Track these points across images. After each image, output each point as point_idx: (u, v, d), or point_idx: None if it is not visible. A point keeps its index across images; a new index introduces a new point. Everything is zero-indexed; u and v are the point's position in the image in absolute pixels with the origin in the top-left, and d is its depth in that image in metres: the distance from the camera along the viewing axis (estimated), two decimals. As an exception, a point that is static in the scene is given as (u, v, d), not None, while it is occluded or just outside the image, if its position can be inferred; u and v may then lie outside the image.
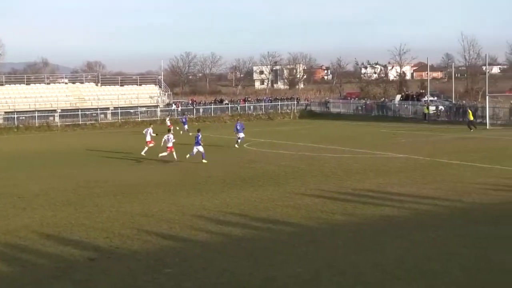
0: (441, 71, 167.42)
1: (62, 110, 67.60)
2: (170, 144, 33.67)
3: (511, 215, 18.65)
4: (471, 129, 49.24)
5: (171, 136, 34.22)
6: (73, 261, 14.85)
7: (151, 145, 36.53)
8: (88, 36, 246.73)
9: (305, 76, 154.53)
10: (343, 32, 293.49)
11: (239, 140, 40.86)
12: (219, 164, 32.13)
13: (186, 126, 54.91)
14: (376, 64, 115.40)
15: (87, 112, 68.54)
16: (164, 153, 33.75)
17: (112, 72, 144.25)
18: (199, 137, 33.17)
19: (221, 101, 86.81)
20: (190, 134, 46.78)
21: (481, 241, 15.83)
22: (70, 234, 17.64)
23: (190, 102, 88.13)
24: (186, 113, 69.39)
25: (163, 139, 34.27)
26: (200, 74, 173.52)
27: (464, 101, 68.62)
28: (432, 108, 64.79)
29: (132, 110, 70.50)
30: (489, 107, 54.93)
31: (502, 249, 15.10)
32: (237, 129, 41.33)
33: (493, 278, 12.91)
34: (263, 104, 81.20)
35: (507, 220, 18.12)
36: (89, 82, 77.71)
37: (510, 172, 27.06)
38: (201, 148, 32.90)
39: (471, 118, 51.33)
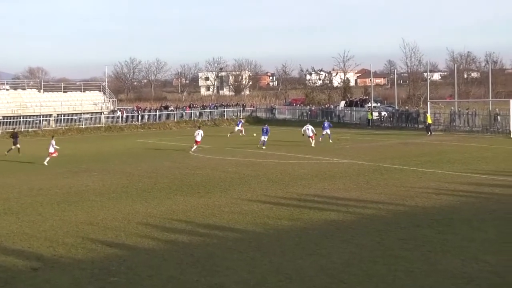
0: (384, 78, 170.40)
1: (3, 117, 66.19)
2: (198, 139, 41.39)
3: (452, 219, 19.06)
4: (428, 132, 50.54)
5: (201, 131, 42.11)
6: (15, 271, 14.51)
7: (54, 155, 36.67)
8: (29, 42, 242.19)
9: (250, 83, 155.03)
10: (288, 39, 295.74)
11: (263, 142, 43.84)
12: (165, 171, 31.91)
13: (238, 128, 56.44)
14: (321, 70, 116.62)
15: (29, 119, 67.28)
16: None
17: (55, 79, 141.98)
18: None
19: (167, 108, 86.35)
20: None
21: (424, 244, 16.13)
22: (12, 243, 17.25)
23: (135, 108, 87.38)
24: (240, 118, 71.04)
25: (195, 133, 41.69)
26: (145, 81, 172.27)
27: (406, 107, 69.96)
28: (375, 114, 65.85)
29: (76, 117, 69.48)
30: (430, 112, 56.09)
31: (444, 252, 15.42)
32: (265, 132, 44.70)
33: (437, 281, 13.18)
34: (209, 110, 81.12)
35: (448, 223, 18.52)
36: (31, 88, 76.23)
37: (451, 176, 27.69)
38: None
39: (430, 121, 52.49)
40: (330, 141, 46.12)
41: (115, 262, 15.18)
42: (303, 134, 44.93)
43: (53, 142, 37.45)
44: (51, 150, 36.97)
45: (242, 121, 46.01)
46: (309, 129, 44.86)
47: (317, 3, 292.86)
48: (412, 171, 29.63)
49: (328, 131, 47.41)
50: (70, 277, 14.04)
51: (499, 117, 53.02)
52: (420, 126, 57.51)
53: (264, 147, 42.76)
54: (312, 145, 43.57)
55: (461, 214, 19.74)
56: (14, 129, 52.29)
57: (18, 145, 43.27)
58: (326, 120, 51.40)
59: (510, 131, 47.91)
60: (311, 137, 44.30)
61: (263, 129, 45.44)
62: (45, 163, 35.97)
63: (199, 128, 44.33)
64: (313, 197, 23.49)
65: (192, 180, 28.66)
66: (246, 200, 23.07)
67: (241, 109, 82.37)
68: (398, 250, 15.65)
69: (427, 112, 55.32)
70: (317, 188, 25.60)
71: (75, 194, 25.52)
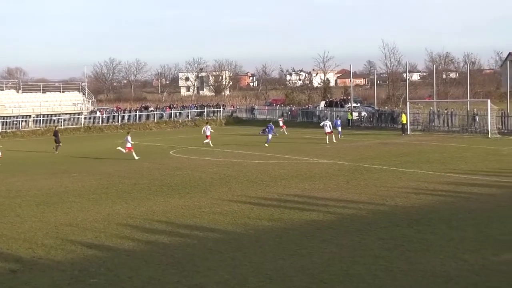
0: (363, 78, 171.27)
1: (-18, 118, 65.52)
2: (208, 133, 44.59)
3: (431, 218, 19.19)
4: (403, 132, 50.98)
5: (208, 127, 45.35)
6: (-7, 274, 14.39)
7: (132, 150, 38.23)
8: (7, 42, 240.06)
9: (231, 83, 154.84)
10: (268, 40, 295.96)
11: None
12: (145, 172, 31.80)
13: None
14: (301, 71, 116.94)
15: (7, 120, 66.62)
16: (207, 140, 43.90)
17: (34, 79, 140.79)
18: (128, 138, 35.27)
19: (147, 108, 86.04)
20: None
21: (404, 243, 16.24)
22: (-10, 245, 17.10)
23: (115, 109, 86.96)
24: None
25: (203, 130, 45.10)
26: (125, 81, 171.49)
27: (386, 107, 70.33)
28: (355, 114, 66.13)
29: (55, 118, 68.94)
30: (409, 113, 56.44)
31: (423, 251, 15.53)
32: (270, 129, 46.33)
33: (416, 280, 13.27)
34: (189, 111, 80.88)
35: (428, 222, 18.65)
36: (9, 89, 75.41)
37: (430, 176, 27.89)
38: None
39: (404, 121, 52.82)
40: (340, 136, 48.63)
41: (95, 263, 15.10)
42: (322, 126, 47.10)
43: (129, 137, 38.93)
44: (129, 145, 38.49)
45: (209, 127, 44.63)
46: (327, 125, 46.34)
47: (297, 3, 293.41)
48: (392, 171, 29.79)
49: (339, 128, 49.61)
50: (49, 279, 13.95)
51: (477, 117, 53.47)
52: (400, 126, 57.83)
53: (266, 145, 44.36)
54: (327, 141, 45.03)
55: (440, 213, 19.90)
56: (55, 127, 55.22)
57: (59, 144, 44.56)
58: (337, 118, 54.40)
59: (488, 131, 48.33)
60: (329, 133, 45.88)
61: (268, 126, 47.26)
62: (136, 157, 37.72)
63: (207, 123, 48.43)
64: (294, 197, 23.55)
65: (172, 180, 28.60)
66: (227, 201, 23.07)
67: (221, 109, 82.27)
68: (378, 249, 15.73)
69: (404, 112, 55.54)
70: (297, 188, 25.66)
71: (54, 195, 25.35)
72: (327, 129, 46.02)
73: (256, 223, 19.24)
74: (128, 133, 41.58)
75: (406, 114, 54.22)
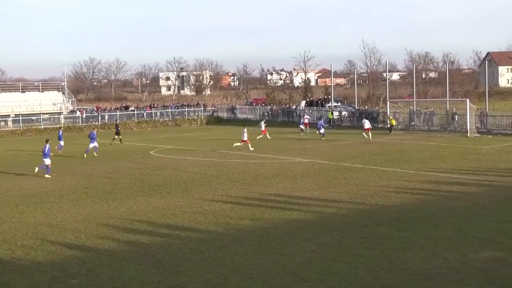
0: (344, 78, 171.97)
1: (-40, 118, 64.87)
2: (245, 138, 41.61)
3: (411, 217, 19.32)
4: (389, 132, 51.24)
5: (245, 130, 42.54)
6: (-28, 275, 14.25)
7: (248, 143, 40.98)
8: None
9: (211, 83, 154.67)
10: (249, 39, 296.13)
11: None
12: (125, 172, 31.66)
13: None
14: (282, 70, 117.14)
15: (-14, 120, 66.03)
16: (238, 144, 41.69)
17: (12, 79, 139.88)
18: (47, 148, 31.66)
19: (127, 108, 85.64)
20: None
21: (384, 242, 16.33)
22: (-32, 247, 16.93)
23: (95, 109, 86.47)
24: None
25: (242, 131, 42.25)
26: (105, 80, 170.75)
27: (366, 107, 70.60)
28: (336, 114, 66.32)
29: (34, 118, 68.40)
30: (389, 112, 56.73)
31: (404, 249, 15.63)
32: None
33: (396, 278, 13.35)
34: (169, 110, 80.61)
35: (408, 221, 18.77)
36: (-12, 88, 74.80)
37: (410, 175, 28.06)
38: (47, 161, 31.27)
39: (393, 124, 52.78)
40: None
41: (75, 264, 15.02)
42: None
43: (245, 129, 42.17)
44: (245, 138, 41.41)
45: (245, 130, 43.56)
46: (366, 122, 48.78)
47: (278, 3, 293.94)
48: (372, 170, 29.94)
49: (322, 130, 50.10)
50: (29, 280, 13.85)
51: (456, 117, 53.88)
52: (380, 125, 58.08)
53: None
54: (370, 138, 46.63)
55: (420, 212, 20.03)
56: (116, 121, 59.27)
57: (120, 136, 49.00)
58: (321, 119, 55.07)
59: (467, 130, 48.72)
60: (367, 129, 47.70)
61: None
62: (251, 148, 40.41)
63: (244, 126, 46.73)
64: (275, 197, 23.58)
65: (153, 180, 28.51)
66: (208, 200, 23.05)
67: (202, 109, 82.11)
68: (359, 248, 15.80)
69: (390, 115, 55.63)
70: (278, 187, 25.70)
71: (34, 195, 25.16)
72: (366, 126, 48.00)
73: (238, 222, 19.24)
74: (244, 126, 45.14)
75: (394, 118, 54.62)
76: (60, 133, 44.90)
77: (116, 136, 49.37)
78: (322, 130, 48.96)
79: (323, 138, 47.89)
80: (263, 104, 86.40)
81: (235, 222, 19.24)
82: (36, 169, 31.22)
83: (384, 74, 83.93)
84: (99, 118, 73.68)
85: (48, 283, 13.60)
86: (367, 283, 13.07)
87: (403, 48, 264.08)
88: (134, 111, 79.92)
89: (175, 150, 42.46)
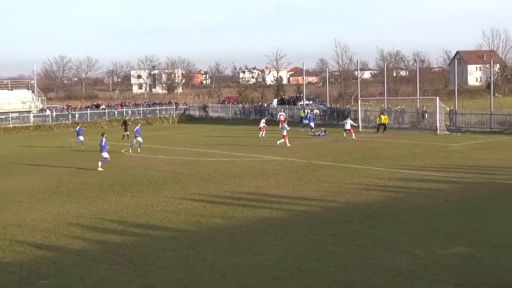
0: (316, 76, 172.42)
1: None
2: (284, 133, 41.92)
3: (382, 214, 19.47)
4: (377, 130, 50.58)
5: (285, 125, 43.32)
6: None
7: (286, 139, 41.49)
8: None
9: (183, 81, 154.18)
10: (221, 37, 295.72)
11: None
12: (96, 170, 31.40)
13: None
14: (254, 69, 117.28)
15: (-47, 118, 65.02)
16: (281, 140, 41.76)
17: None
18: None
19: (98, 106, 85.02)
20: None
21: (355, 239, 16.44)
22: None
23: (66, 107, 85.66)
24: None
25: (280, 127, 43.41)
26: (76, 79, 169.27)
27: (338, 105, 70.96)
28: (307, 112, 66.48)
29: (3, 116, 67.50)
30: (361, 110, 57.06)
31: (374, 246, 15.75)
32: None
33: (367, 275, 13.45)
34: (141, 109, 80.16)
35: (378, 218, 18.91)
36: (-46, 87, 73.62)
37: (381, 172, 28.27)
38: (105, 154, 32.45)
39: (384, 121, 51.65)
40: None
41: (45, 264, 14.87)
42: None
43: (286, 125, 43.54)
44: (284, 132, 42.06)
45: (286, 125, 43.97)
46: (347, 122, 48.15)
47: (251, 1, 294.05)
48: (344, 168, 30.10)
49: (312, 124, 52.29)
50: (-3, 280, 13.68)
51: (426, 115, 54.35)
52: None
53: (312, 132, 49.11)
54: (353, 137, 46.28)
55: (390, 209, 20.20)
56: (125, 117, 60.27)
57: (127, 132, 49.35)
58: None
59: (437, 128, 49.20)
60: (349, 130, 47.23)
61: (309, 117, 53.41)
62: (288, 144, 40.94)
63: (285, 121, 48.50)
64: (247, 195, 23.59)
65: (124, 179, 28.34)
66: (179, 199, 22.98)
67: (174, 107, 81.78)
68: (330, 245, 15.89)
69: (383, 112, 54.27)
70: (250, 185, 25.72)
71: (2, 195, 24.86)
72: (347, 126, 47.52)
73: (209, 221, 19.22)
74: (284, 120, 47.14)
75: (385, 116, 53.20)
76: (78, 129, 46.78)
77: (125, 133, 49.94)
78: (312, 124, 51.90)
79: (311, 132, 49.68)
80: (235, 103, 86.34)
81: (207, 221, 19.21)
82: (99, 168, 31.58)
83: (356, 73, 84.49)
84: (70, 116, 72.99)
85: (16, 284, 13.45)
86: (338, 280, 13.15)
87: (375, 47, 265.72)
88: (105, 109, 79.29)
89: (147, 148, 42.21)
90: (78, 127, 47.90)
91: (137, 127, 42.28)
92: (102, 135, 33.69)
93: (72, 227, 18.81)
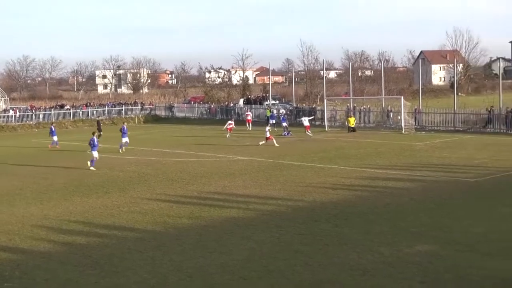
0: (282, 76, 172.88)
1: None
2: (267, 135, 41.58)
3: (348, 213, 19.62)
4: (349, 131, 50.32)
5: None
6: None
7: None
8: None
9: (149, 81, 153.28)
10: (187, 37, 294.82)
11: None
12: (61, 171, 31.07)
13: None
14: (220, 68, 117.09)
15: None
16: (263, 141, 41.51)
17: None
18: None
19: (62, 106, 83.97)
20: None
21: (322, 238, 16.54)
22: None
23: (29, 107, 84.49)
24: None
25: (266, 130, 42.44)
26: (40, 79, 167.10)
27: (304, 105, 71.21)
28: (274, 111, 66.59)
29: (-36, 117, 66.43)
30: (327, 110, 57.36)
31: (341, 245, 15.86)
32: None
33: (334, 273, 13.54)
34: (106, 109, 79.46)
35: (345, 217, 19.05)
36: None
37: (347, 172, 28.47)
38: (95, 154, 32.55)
39: (352, 124, 51.22)
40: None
41: (9, 267, 14.67)
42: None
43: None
44: (268, 135, 41.68)
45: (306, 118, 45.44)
46: (305, 120, 49.11)
47: (216, 1, 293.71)
48: (310, 167, 30.24)
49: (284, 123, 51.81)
50: (-40, 284, 13.44)
51: (391, 114, 54.89)
52: (317, 122, 58.64)
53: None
54: (310, 135, 47.26)
55: (357, 208, 20.36)
56: (98, 117, 60.31)
57: (101, 132, 48.55)
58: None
59: (402, 127, 49.71)
60: (306, 127, 48.16)
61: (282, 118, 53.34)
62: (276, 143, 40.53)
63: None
64: (213, 195, 23.57)
65: (90, 180, 28.07)
66: (146, 199, 22.85)
67: (139, 107, 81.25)
68: (297, 245, 15.95)
69: (350, 114, 54.13)
70: (217, 185, 25.69)
71: (-35, 197, 24.43)
72: (306, 123, 47.91)
73: (176, 221, 19.15)
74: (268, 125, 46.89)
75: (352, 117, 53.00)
76: (53, 129, 45.49)
77: (99, 133, 48.15)
78: (285, 123, 51.56)
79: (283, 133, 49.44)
80: (201, 102, 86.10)
81: (174, 221, 19.14)
82: (90, 166, 31.59)
83: (321, 72, 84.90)
84: (34, 117, 72.06)
85: (-20, 287, 13.23)
86: (305, 279, 13.21)
87: (340, 46, 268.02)
88: (69, 109, 78.42)
89: (112, 149, 41.87)
90: (52, 126, 47.03)
91: (124, 125, 41.79)
92: (93, 134, 33.89)
93: (37, 229, 18.58)
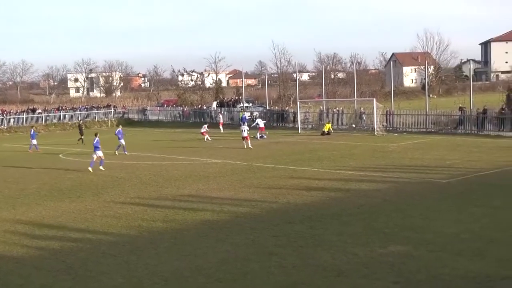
0: (255, 78, 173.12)
1: None
2: (245, 134, 41.40)
3: (322, 214, 19.73)
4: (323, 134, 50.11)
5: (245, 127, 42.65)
6: None
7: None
8: None
9: (121, 84, 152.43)
10: (159, 40, 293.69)
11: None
12: (33, 176, 30.80)
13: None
14: (193, 71, 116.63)
15: None
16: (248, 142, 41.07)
17: None
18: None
19: (34, 110, 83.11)
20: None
21: (297, 240, 16.62)
22: None
23: (0, 112, 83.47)
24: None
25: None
26: (10, 83, 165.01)
27: (277, 107, 71.41)
28: (247, 114, 66.68)
29: None
30: (300, 112, 57.57)
31: (315, 246, 15.96)
32: None
33: (308, 275, 13.63)
34: (78, 112, 78.85)
35: (319, 218, 19.15)
36: None
37: (321, 174, 28.63)
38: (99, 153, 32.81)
39: (327, 129, 50.94)
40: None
41: (-18, 272, 14.50)
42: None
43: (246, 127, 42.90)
44: (245, 134, 41.54)
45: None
46: (260, 122, 50.16)
47: (188, 4, 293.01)
48: (284, 169, 30.35)
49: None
50: None
51: (364, 116, 55.26)
52: (291, 125, 58.83)
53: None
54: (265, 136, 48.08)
55: (331, 209, 20.49)
56: (80, 121, 60.89)
57: (83, 136, 49.29)
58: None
59: (374, 128, 50.09)
60: (261, 128, 49.05)
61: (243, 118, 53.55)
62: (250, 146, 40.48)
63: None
64: (188, 198, 23.55)
65: (63, 184, 27.87)
66: (120, 203, 22.76)
67: (112, 110, 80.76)
68: (272, 247, 16.01)
69: (328, 121, 53.84)
70: (191, 188, 25.67)
71: None
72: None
73: (150, 225, 19.11)
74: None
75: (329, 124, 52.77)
76: (32, 132, 45.58)
77: (81, 137, 49.59)
78: (261, 125, 50.46)
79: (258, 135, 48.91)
80: (174, 106, 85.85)
81: (148, 225, 19.10)
82: (90, 168, 31.68)
83: (294, 75, 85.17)
84: (5, 121, 71.23)
85: (-48, 294, 13.09)
86: (279, 281, 13.28)
87: (312, 49, 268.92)
88: (41, 113, 77.65)
89: (85, 153, 41.57)
90: (32, 130, 46.65)
91: (119, 129, 41.60)
92: (95, 134, 33.97)
93: (9, 234, 18.41)
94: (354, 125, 54.25)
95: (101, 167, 32.07)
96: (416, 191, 23.53)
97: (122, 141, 40.21)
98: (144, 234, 17.93)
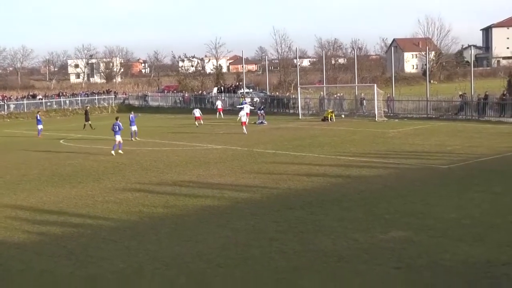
0: (256, 64, 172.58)
1: None
2: (244, 119, 41.85)
3: (323, 200, 19.74)
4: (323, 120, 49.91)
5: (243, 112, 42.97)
6: None
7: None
8: None
9: (122, 70, 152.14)
10: (159, 26, 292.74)
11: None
12: (34, 162, 30.80)
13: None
14: (193, 57, 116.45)
15: None
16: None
17: None
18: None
19: (34, 96, 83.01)
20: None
21: (297, 225, 16.63)
22: None
23: (1, 98, 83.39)
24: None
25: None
26: (11, 68, 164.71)
27: (277, 93, 71.29)
28: (248, 100, 66.57)
29: None
30: (300, 98, 57.46)
31: (316, 232, 15.98)
32: None
33: (309, 260, 13.65)
34: (79, 98, 78.78)
35: (320, 204, 19.17)
36: None
37: (321, 159, 28.62)
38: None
39: (327, 115, 50.84)
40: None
41: (-17, 258, 14.54)
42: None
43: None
44: (244, 119, 41.89)
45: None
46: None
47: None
48: (285, 155, 30.35)
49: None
50: None
51: (365, 102, 55.14)
52: (291, 111, 58.76)
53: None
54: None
55: (331, 195, 20.50)
56: (86, 106, 58.65)
57: (89, 122, 49.23)
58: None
59: (375, 114, 50.02)
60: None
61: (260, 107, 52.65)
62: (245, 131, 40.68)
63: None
64: (188, 184, 23.56)
65: (64, 170, 27.88)
66: (120, 189, 22.77)
67: (113, 96, 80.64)
68: (272, 232, 16.03)
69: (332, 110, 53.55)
70: (192, 174, 25.67)
71: None
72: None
73: (151, 210, 19.13)
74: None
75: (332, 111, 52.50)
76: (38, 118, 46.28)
77: (86, 122, 49.37)
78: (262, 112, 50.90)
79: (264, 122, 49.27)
80: (175, 91, 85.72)
81: (149, 210, 19.12)
82: (112, 152, 32.30)
83: (295, 61, 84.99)
84: (5, 107, 71.19)
85: (-47, 279, 13.12)
86: (280, 266, 13.30)
87: (313, 35, 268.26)
88: (42, 99, 77.59)
89: (86, 139, 41.62)
90: (38, 115, 46.74)
91: (132, 115, 41.46)
92: (116, 119, 34.52)
93: (11, 220, 18.44)
94: (343, 115, 53.23)
95: (120, 151, 32.79)
96: (417, 177, 23.53)
97: (134, 127, 40.00)
98: (145, 220, 17.95)
